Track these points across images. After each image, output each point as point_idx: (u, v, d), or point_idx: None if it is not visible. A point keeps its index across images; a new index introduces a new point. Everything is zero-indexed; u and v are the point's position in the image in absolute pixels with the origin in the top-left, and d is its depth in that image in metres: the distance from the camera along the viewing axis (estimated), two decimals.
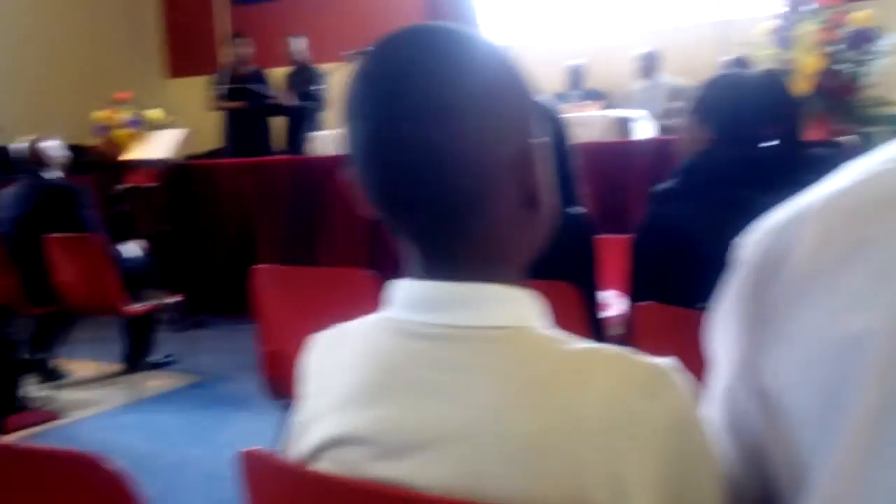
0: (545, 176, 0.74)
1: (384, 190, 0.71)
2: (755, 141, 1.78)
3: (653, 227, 1.84)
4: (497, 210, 0.71)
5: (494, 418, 0.67)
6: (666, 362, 0.67)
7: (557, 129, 1.89)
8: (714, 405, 0.71)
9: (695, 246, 1.67)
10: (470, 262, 0.72)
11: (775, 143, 1.83)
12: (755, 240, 0.68)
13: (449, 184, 0.69)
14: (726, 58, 5.23)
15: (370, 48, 0.72)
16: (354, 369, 0.75)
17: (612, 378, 0.66)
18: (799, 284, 0.62)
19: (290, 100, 6.38)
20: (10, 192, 4.20)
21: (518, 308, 0.72)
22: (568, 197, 1.88)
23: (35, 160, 4.14)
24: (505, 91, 0.71)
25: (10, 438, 3.14)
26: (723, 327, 0.71)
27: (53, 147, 4.18)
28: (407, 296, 0.74)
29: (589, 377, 0.66)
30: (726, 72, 2.36)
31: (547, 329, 0.72)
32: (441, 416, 0.69)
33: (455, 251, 0.72)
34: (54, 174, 4.18)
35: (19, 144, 4.24)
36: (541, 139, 0.73)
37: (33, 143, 4.16)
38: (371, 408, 0.73)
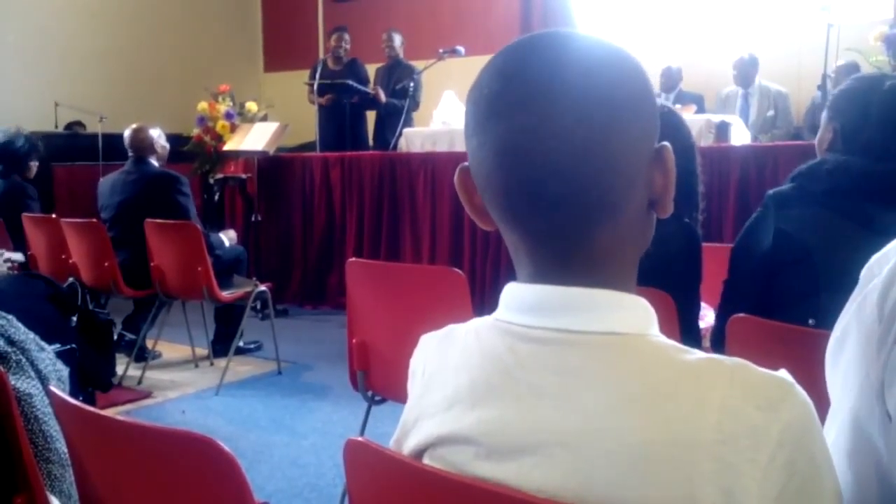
0: (672, 181, 0.73)
1: (523, 189, 0.69)
2: (879, 150, 1.66)
3: (763, 232, 1.76)
4: (628, 212, 0.71)
5: (607, 425, 0.66)
6: (785, 375, 0.65)
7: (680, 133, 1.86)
8: (835, 428, 0.69)
9: (809, 257, 1.60)
10: (586, 266, 0.71)
11: None
12: (887, 259, 0.67)
13: (594, 182, 0.68)
14: (835, 63, 5.03)
15: (502, 51, 0.72)
16: (463, 370, 0.75)
17: (730, 390, 0.64)
18: None
19: (382, 95, 6.44)
20: (112, 177, 4.37)
21: (633, 315, 0.71)
22: (682, 204, 1.84)
23: (137, 147, 4.29)
24: (645, 91, 0.71)
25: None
26: (845, 348, 0.69)
27: (155, 135, 4.33)
28: (517, 299, 0.74)
29: (707, 388, 0.65)
30: (869, 73, 2.21)
31: (662, 337, 0.70)
32: (550, 420, 0.68)
33: (574, 255, 0.71)
34: (155, 162, 4.33)
35: (123, 132, 4.40)
36: (666, 143, 0.73)
37: (136, 130, 4.31)
38: (478, 409, 0.73)
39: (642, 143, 0.70)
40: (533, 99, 0.68)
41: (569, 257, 0.71)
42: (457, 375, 0.76)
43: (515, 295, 0.74)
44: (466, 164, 0.75)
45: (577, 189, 0.68)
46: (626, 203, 0.70)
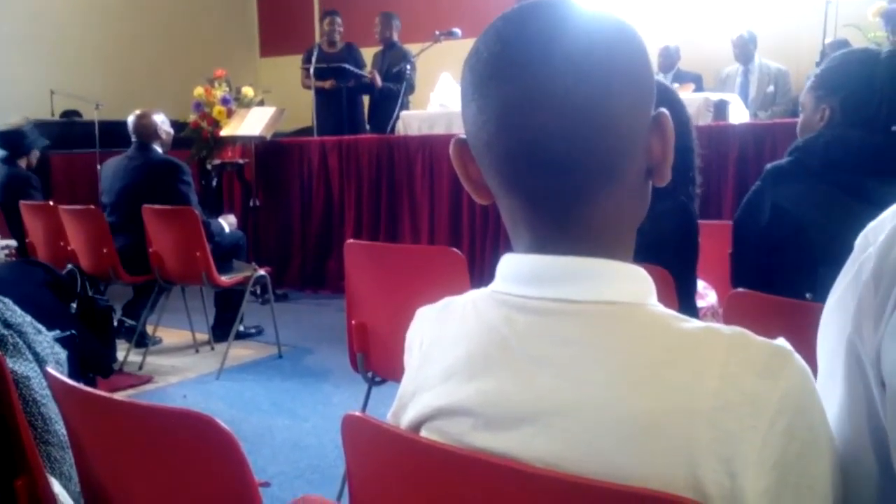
0: (671, 148, 0.73)
1: (525, 150, 0.69)
2: (882, 125, 1.64)
3: (761, 206, 1.75)
4: (627, 178, 0.71)
5: (606, 394, 0.65)
6: (783, 344, 0.65)
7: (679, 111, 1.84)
8: (833, 392, 0.69)
9: (805, 232, 1.59)
10: (584, 235, 0.71)
11: None
12: (882, 229, 0.66)
13: (595, 143, 0.68)
14: (830, 39, 5.00)
15: (500, 17, 0.72)
16: (461, 342, 0.75)
17: (729, 358, 0.64)
18: None
19: (379, 79, 6.41)
20: (114, 163, 4.35)
21: (631, 284, 0.71)
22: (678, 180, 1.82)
23: (141, 133, 4.27)
24: (642, 56, 0.71)
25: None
26: (841, 316, 0.69)
27: (159, 122, 4.32)
28: (515, 270, 0.73)
29: (705, 357, 0.64)
30: (856, 48, 2.20)
31: (660, 307, 0.70)
32: (548, 389, 0.68)
33: (573, 222, 0.71)
34: (159, 148, 4.31)
35: (120, 119, 4.38)
36: (664, 110, 0.73)
37: (139, 116, 4.30)
38: (476, 380, 0.72)
39: (641, 107, 0.70)
40: (533, 60, 0.67)
41: (568, 225, 0.71)
42: (454, 347, 0.75)
43: (513, 265, 0.74)
44: (462, 136, 0.75)
45: (579, 150, 0.67)
46: (625, 167, 0.70)
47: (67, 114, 7.38)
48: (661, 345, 0.66)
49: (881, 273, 0.66)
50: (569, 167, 0.68)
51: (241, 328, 4.37)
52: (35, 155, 4.99)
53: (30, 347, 1.40)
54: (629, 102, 0.69)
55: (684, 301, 1.86)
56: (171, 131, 4.42)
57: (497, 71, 0.69)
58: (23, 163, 4.88)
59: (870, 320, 0.66)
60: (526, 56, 0.68)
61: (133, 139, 4.30)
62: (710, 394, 0.63)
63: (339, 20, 6.69)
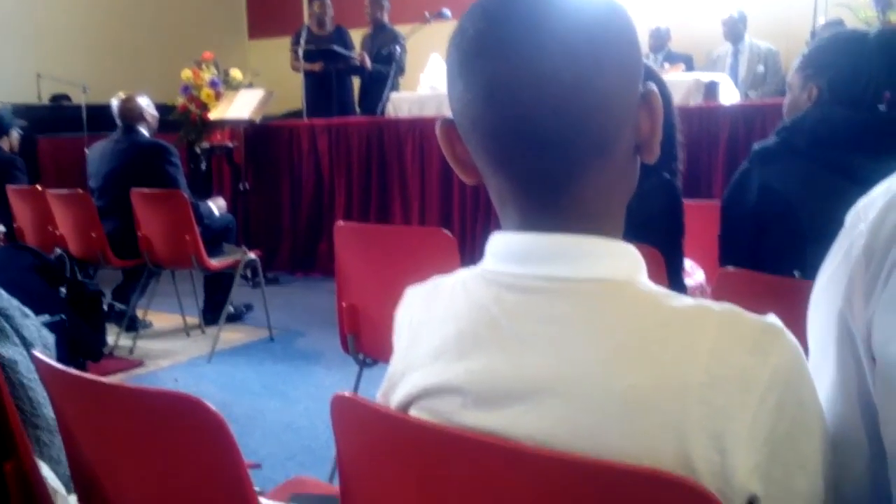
0: (659, 123, 0.72)
1: (513, 128, 0.68)
2: (869, 104, 1.65)
3: (749, 186, 1.76)
4: (616, 155, 0.70)
5: (596, 372, 0.65)
6: (774, 320, 0.65)
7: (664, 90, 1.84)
8: (825, 369, 0.69)
9: (793, 211, 1.60)
10: (574, 212, 0.70)
11: (884, 107, 1.70)
12: (874, 205, 0.66)
13: (585, 121, 0.67)
14: (826, 19, 4.99)
15: None
16: (449, 321, 0.75)
17: (719, 334, 0.64)
18: None
19: (368, 62, 6.38)
20: (101, 146, 4.32)
21: (620, 261, 0.70)
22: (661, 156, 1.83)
23: (126, 117, 4.24)
24: (630, 31, 0.70)
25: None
26: (832, 293, 0.69)
27: (144, 105, 4.29)
28: (504, 248, 0.73)
29: (695, 333, 0.64)
30: (843, 29, 2.20)
31: (651, 284, 0.70)
32: (539, 367, 0.68)
33: (562, 200, 0.70)
34: (145, 131, 4.29)
35: (108, 102, 4.35)
36: (653, 86, 0.72)
37: (124, 100, 4.27)
38: (465, 359, 0.72)
39: (630, 83, 0.70)
40: (521, 37, 0.66)
41: (557, 203, 0.70)
42: (443, 327, 0.75)
43: (502, 244, 0.73)
44: (448, 117, 0.74)
45: (568, 127, 0.67)
46: (615, 145, 0.70)
47: (57, 98, 7.32)
48: (652, 322, 0.66)
49: (872, 249, 0.66)
50: (558, 145, 0.67)
51: (232, 309, 4.36)
52: (15, 137, 4.95)
53: (17, 331, 1.39)
54: (619, 80, 0.68)
55: (673, 278, 1.86)
56: (157, 114, 4.41)
57: (483, 49, 0.68)
58: (4, 145, 4.85)
59: (860, 296, 0.66)
60: (513, 34, 0.67)
61: (119, 123, 4.27)
62: (700, 370, 0.62)
63: (328, 2, 6.64)
